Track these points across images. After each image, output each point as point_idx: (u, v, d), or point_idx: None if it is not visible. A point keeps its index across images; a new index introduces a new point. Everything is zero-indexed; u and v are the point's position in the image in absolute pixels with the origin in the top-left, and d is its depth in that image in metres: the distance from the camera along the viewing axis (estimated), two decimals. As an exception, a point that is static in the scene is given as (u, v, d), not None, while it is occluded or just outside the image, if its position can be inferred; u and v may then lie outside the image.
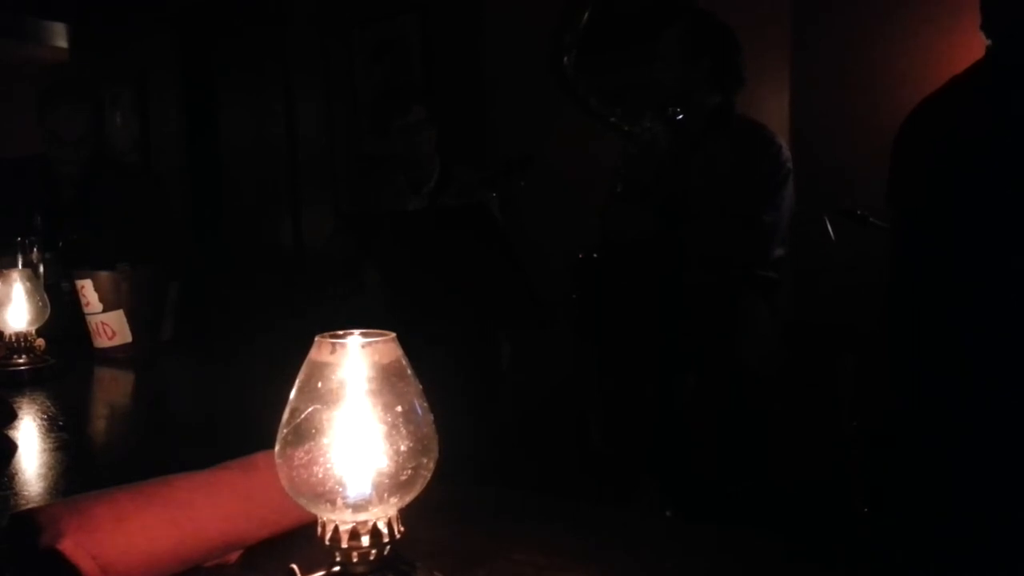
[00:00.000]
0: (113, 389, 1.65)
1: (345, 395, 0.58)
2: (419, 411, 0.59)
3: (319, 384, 0.58)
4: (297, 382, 0.59)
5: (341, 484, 0.58)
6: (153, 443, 1.20)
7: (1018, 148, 1.34)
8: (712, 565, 0.71)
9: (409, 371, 0.60)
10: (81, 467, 1.02)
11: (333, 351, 0.58)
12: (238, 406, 1.24)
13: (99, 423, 1.38)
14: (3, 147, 3.66)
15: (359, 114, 4.09)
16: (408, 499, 0.60)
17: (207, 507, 0.69)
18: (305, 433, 0.58)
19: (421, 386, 0.61)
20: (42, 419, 1.24)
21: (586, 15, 2.32)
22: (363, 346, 0.59)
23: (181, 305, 1.90)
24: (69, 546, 0.61)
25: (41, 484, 0.94)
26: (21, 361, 1.52)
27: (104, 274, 1.70)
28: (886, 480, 1.77)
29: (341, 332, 0.60)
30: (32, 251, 1.95)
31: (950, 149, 1.46)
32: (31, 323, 1.55)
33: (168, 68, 4.76)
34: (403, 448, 0.58)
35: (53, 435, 1.14)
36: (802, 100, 2.88)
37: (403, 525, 0.60)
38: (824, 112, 2.80)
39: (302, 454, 0.58)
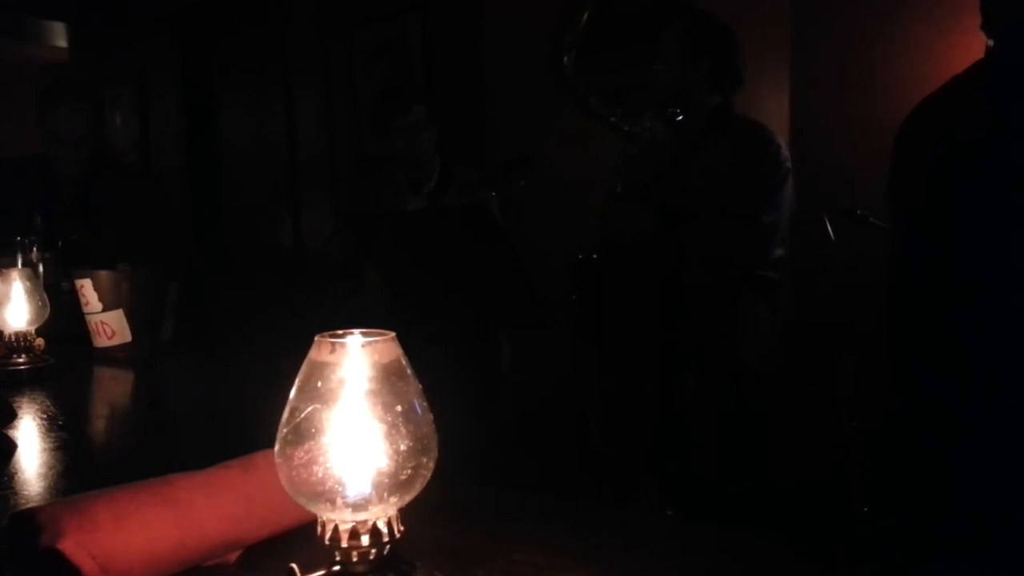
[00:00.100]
0: (113, 389, 1.65)
1: (345, 395, 0.58)
2: (419, 411, 0.60)
3: (319, 384, 0.58)
4: (297, 382, 0.59)
5: (341, 483, 0.58)
6: (153, 443, 1.20)
7: (1018, 148, 1.34)
8: (712, 565, 0.71)
9: (409, 371, 0.60)
10: (81, 467, 1.02)
11: (333, 351, 0.58)
12: (238, 406, 1.24)
13: (99, 423, 1.38)
14: (3, 147, 3.66)
15: (359, 114, 4.09)
16: (408, 499, 0.60)
17: (207, 507, 0.69)
18: (305, 433, 0.58)
19: (421, 386, 0.61)
20: (42, 419, 1.24)
21: (586, 15, 2.32)
22: (363, 346, 0.59)
23: (181, 305, 1.90)
24: (69, 546, 0.61)
25: (41, 484, 0.94)
26: (21, 361, 1.52)
27: (104, 274, 1.70)
28: (886, 480, 1.77)
29: (341, 332, 0.60)
30: (32, 251, 1.95)
31: (950, 149, 1.46)
32: (31, 323, 1.55)
33: (168, 68, 4.76)
34: (403, 448, 0.58)
35: (53, 435, 1.14)
36: (802, 100, 2.88)
37: (403, 525, 0.60)
38: (824, 112, 2.80)
39: (302, 453, 0.58)
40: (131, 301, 1.70)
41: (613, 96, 2.33)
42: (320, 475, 0.58)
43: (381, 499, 0.58)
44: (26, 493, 0.89)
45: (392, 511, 0.59)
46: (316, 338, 0.59)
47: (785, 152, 2.27)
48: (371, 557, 0.59)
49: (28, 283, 1.57)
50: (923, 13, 2.63)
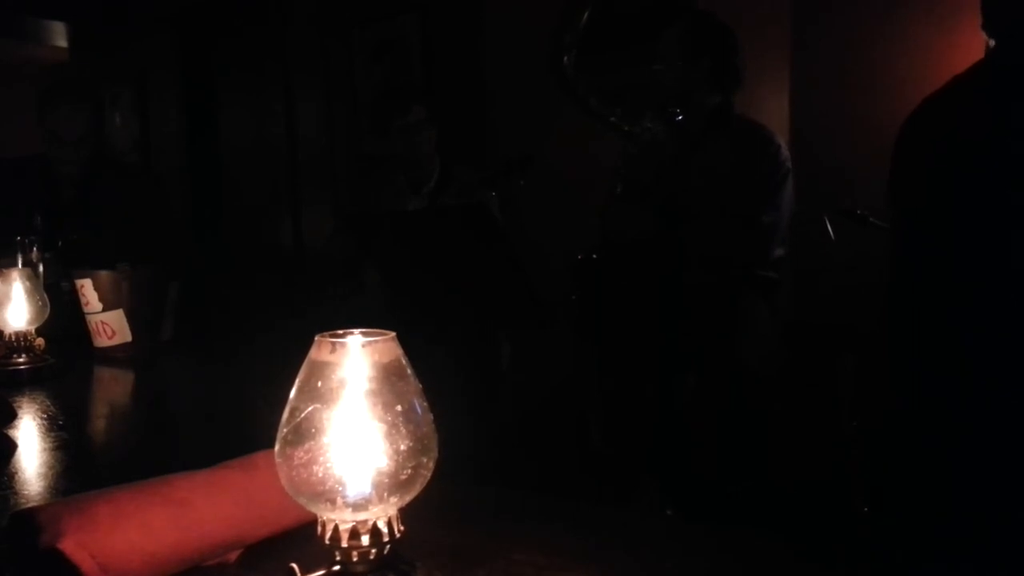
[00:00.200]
0: (113, 389, 1.65)
1: (345, 394, 0.58)
2: (419, 410, 0.60)
3: (319, 383, 0.58)
4: (297, 381, 0.59)
5: (341, 483, 0.58)
6: (153, 443, 1.20)
7: (1018, 148, 1.34)
8: (712, 565, 0.71)
9: (409, 371, 0.60)
10: (81, 467, 1.02)
11: (333, 351, 0.58)
12: (238, 406, 1.24)
13: (99, 423, 1.38)
14: (3, 147, 3.66)
15: (359, 114, 4.09)
16: (408, 498, 0.60)
17: (207, 507, 0.69)
18: (305, 432, 0.58)
19: (421, 386, 0.61)
20: (42, 418, 1.24)
21: (586, 15, 2.32)
22: (363, 345, 0.59)
23: (181, 305, 1.90)
24: (69, 545, 0.61)
25: (41, 484, 0.94)
26: (21, 360, 1.52)
27: (104, 274, 1.70)
28: (886, 480, 1.77)
29: (341, 332, 0.60)
30: (32, 251, 1.95)
31: (950, 149, 1.46)
32: (31, 322, 1.55)
33: (168, 68, 4.76)
34: (403, 447, 0.58)
35: (53, 434, 1.14)
36: (802, 100, 2.88)
37: (403, 525, 0.60)
38: (824, 112, 2.80)
39: (302, 453, 0.58)
40: (131, 301, 1.70)
41: (613, 96, 2.32)
42: (320, 475, 0.58)
43: (381, 499, 0.58)
44: (26, 493, 0.89)
45: (392, 511, 0.59)
46: (316, 338, 0.59)
47: (785, 152, 2.27)
48: (371, 557, 0.59)
49: (28, 283, 1.57)
50: (923, 13, 2.63)
